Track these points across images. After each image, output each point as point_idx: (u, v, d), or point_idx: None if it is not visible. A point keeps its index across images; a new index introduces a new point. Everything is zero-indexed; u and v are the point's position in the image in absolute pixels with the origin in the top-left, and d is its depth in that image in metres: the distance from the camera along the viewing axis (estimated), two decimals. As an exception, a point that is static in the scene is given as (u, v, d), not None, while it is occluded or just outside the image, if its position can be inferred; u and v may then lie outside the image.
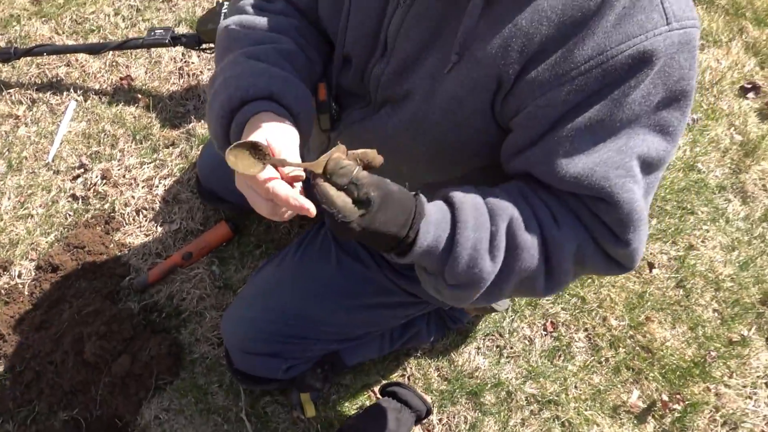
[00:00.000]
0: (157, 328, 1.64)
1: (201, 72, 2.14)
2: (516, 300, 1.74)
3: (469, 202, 0.86)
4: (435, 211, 0.85)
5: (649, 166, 0.84)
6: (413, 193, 0.84)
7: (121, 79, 2.12)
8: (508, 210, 0.87)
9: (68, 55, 2.14)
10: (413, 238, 0.83)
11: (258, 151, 0.78)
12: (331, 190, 0.77)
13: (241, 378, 1.45)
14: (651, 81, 0.78)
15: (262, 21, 1.04)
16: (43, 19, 2.27)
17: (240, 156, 0.78)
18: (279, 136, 0.85)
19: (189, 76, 2.14)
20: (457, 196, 0.87)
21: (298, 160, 0.84)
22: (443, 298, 0.93)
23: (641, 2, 0.76)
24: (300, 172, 0.82)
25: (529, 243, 0.86)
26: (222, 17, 1.89)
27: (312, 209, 0.78)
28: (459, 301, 0.92)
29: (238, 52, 1.00)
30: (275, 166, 0.81)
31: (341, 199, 0.77)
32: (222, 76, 0.97)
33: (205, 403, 1.57)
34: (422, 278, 0.94)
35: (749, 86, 2.10)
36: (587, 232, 0.88)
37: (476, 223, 0.84)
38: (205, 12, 2.19)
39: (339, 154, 0.78)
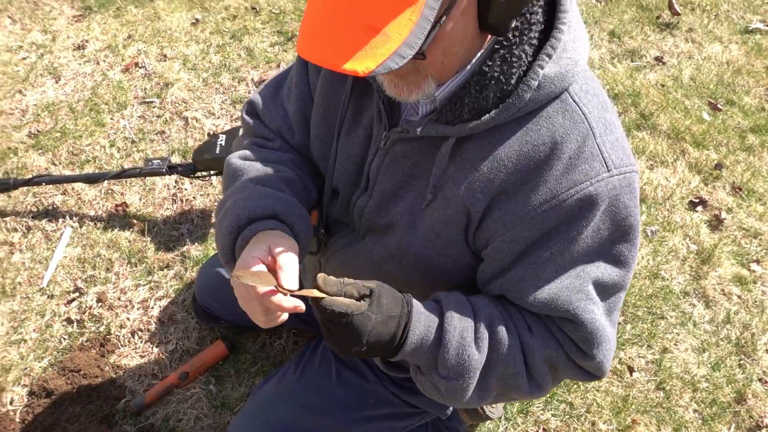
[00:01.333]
0: (154, 452, 1.62)
1: (194, 198, 2.26)
2: (508, 408, 1.79)
3: (452, 298, 1.00)
4: (423, 305, 0.97)
5: (605, 289, 0.99)
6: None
7: (117, 206, 2.21)
8: (488, 309, 1.00)
9: (65, 184, 2.24)
10: (406, 330, 0.93)
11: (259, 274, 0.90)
12: (336, 298, 0.88)
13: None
14: (600, 219, 0.93)
15: (264, 154, 1.19)
16: (40, 151, 2.39)
17: (248, 274, 0.89)
18: (283, 248, 0.95)
19: (182, 201, 2.25)
20: (442, 293, 1.01)
21: (296, 275, 0.94)
22: (441, 396, 1.01)
23: (584, 154, 0.91)
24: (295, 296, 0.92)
25: (509, 340, 0.98)
26: (217, 148, 2.04)
27: (301, 306, 0.88)
28: (455, 395, 1.00)
29: (245, 179, 1.13)
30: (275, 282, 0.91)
31: (346, 300, 0.88)
32: (231, 199, 1.09)
33: None
34: (418, 379, 1.02)
35: (697, 200, 2.34)
36: (558, 344, 1.01)
37: (461, 314, 0.97)
38: (200, 143, 2.35)
39: (322, 274, 0.91)
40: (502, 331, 0.98)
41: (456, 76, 0.91)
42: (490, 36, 0.88)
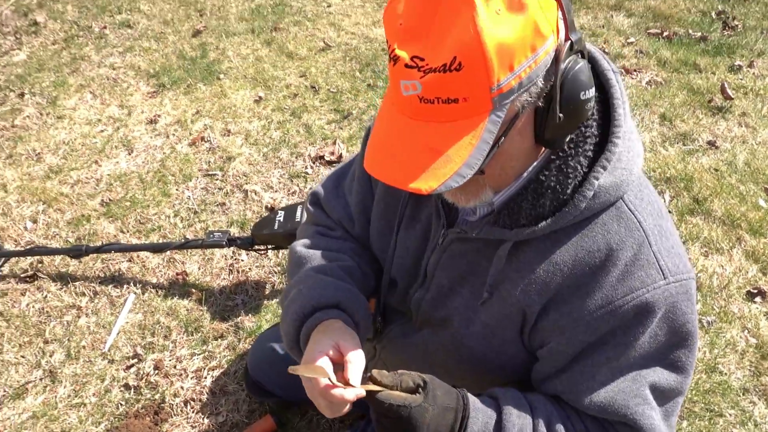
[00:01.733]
0: None
1: (249, 269, 2.35)
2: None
3: (509, 394, 1.01)
4: (480, 401, 0.99)
5: (662, 394, 0.99)
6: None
7: (177, 274, 2.32)
8: (546, 407, 1.01)
9: (131, 252, 2.36)
10: (464, 423, 0.94)
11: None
12: (392, 392, 0.91)
13: None
14: (657, 325, 0.95)
15: (326, 243, 1.26)
16: (111, 218, 2.54)
17: (306, 368, 0.93)
18: (348, 341, 0.99)
19: (238, 272, 2.34)
20: (498, 389, 1.02)
21: (361, 370, 0.97)
22: None
23: (640, 261, 0.93)
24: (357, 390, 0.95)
25: None
26: (276, 224, 2.13)
27: (362, 392, 0.91)
28: None
29: (308, 268, 1.20)
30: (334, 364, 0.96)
31: (402, 394, 0.91)
32: (296, 288, 1.15)
33: None
34: None
35: (755, 291, 2.28)
36: None
37: (519, 411, 0.98)
38: (258, 217, 2.46)
39: (377, 369, 0.94)
40: (561, 430, 0.98)
41: (513, 184, 0.96)
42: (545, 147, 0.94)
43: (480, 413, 0.97)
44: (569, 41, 0.84)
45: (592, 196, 0.91)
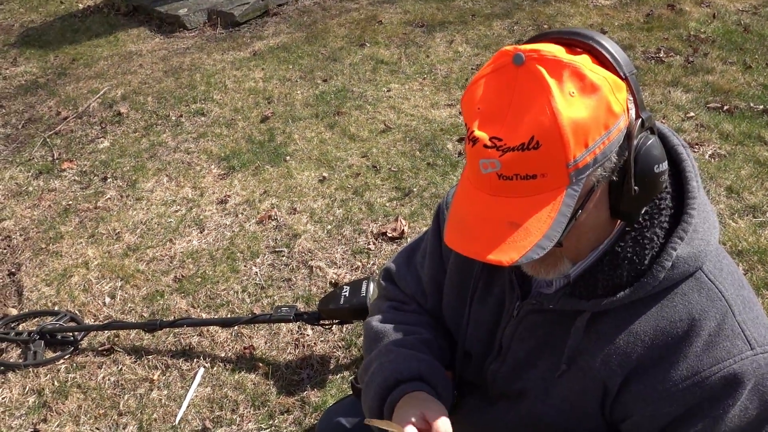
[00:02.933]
0: None
1: (314, 343, 2.38)
2: None
3: None
4: None
5: None
6: None
7: (245, 348, 2.37)
8: None
9: (202, 327, 2.44)
10: None
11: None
12: None
13: None
14: (747, 398, 0.92)
15: (401, 317, 1.29)
16: (183, 294, 2.65)
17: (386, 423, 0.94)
18: (434, 410, 1.01)
19: (304, 347, 2.37)
20: None
21: (449, 429, 0.97)
22: None
23: (724, 331, 0.92)
24: None
25: None
26: (341, 299, 2.17)
27: None
28: None
29: (387, 342, 1.22)
30: None
31: None
32: (377, 362, 1.17)
33: None
34: None
35: None
36: None
37: None
38: (324, 293, 2.52)
39: None
40: None
41: (589, 256, 0.98)
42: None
43: None
44: (640, 119, 0.88)
45: (671, 267, 0.92)
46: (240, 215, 3.10)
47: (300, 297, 2.59)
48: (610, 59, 0.86)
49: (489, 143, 0.83)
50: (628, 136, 0.87)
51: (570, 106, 0.80)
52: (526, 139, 0.80)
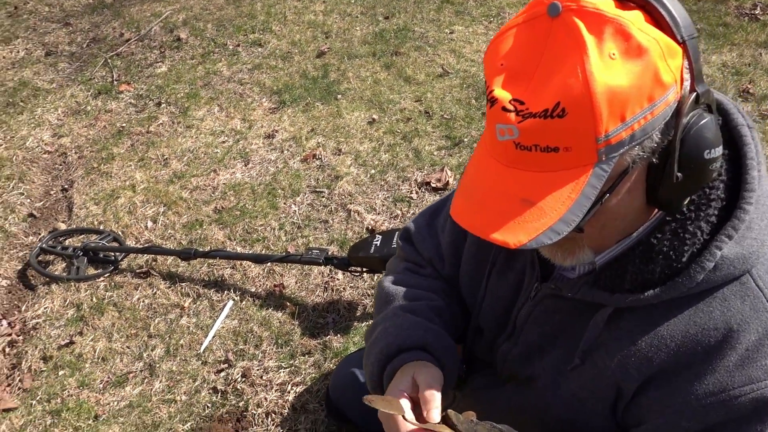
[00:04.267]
0: None
1: (344, 289, 2.36)
2: None
3: None
4: None
5: None
6: None
7: (275, 285, 2.38)
8: None
9: (235, 260, 2.46)
10: None
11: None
12: None
13: None
14: None
15: (415, 280, 1.22)
16: (221, 226, 2.67)
17: (380, 400, 0.90)
18: (427, 381, 0.94)
19: (333, 291, 2.36)
20: None
21: (437, 409, 0.92)
22: None
23: (766, 348, 0.81)
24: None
25: None
26: (372, 248, 2.13)
27: None
28: None
29: (396, 306, 1.16)
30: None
31: None
32: (382, 325, 1.11)
33: None
34: None
35: None
36: None
37: None
38: (357, 240, 2.48)
39: (453, 411, 0.88)
40: None
41: (618, 245, 0.88)
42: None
43: None
44: (695, 92, 0.75)
45: (713, 268, 0.81)
46: (285, 151, 3.08)
47: (335, 240, 2.57)
48: (667, 18, 0.73)
49: (509, 106, 0.72)
50: (677, 112, 0.75)
51: (608, 70, 0.69)
52: (550, 105, 0.70)
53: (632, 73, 0.69)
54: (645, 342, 0.86)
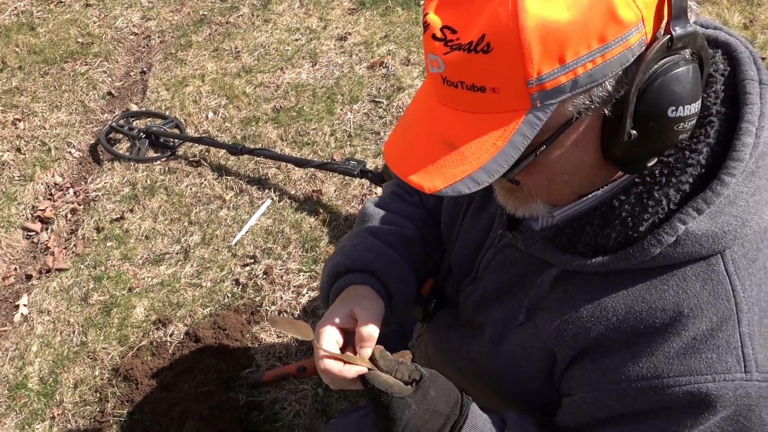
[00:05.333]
0: (250, 427, 1.76)
1: (380, 203, 2.34)
2: None
3: (522, 424, 0.87)
4: (484, 419, 0.85)
5: None
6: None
7: (313, 191, 2.40)
8: None
9: (279, 161, 2.50)
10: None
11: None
12: (381, 374, 0.82)
13: None
14: (717, 426, 0.72)
15: (397, 206, 1.17)
16: (276, 125, 2.69)
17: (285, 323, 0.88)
18: (366, 312, 0.90)
19: (369, 203, 2.35)
20: (514, 414, 0.88)
21: (370, 346, 0.89)
22: None
23: (716, 340, 0.70)
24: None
25: None
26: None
27: (364, 370, 0.83)
28: None
29: (365, 227, 1.12)
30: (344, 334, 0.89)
31: (390, 380, 0.81)
32: (343, 243, 1.09)
33: None
34: None
35: None
36: None
37: None
38: (399, 154, 2.42)
39: (380, 347, 0.85)
40: None
41: (580, 203, 0.79)
42: None
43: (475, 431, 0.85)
44: (669, 35, 0.62)
45: (673, 243, 0.70)
46: (354, 56, 3.00)
47: (381, 154, 2.53)
48: None
49: (438, 34, 0.64)
50: (640, 58, 0.63)
51: (545, 2, 0.58)
52: (476, 37, 0.61)
53: (576, 7, 0.58)
54: (587, 311, 0.79)
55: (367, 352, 0.87)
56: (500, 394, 0.98)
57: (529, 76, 0.60)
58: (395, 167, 0.71)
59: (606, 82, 0.62)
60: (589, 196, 0.77)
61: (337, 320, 0.91)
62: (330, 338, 0.88)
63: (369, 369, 0.83)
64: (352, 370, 0.83)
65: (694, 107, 0.66)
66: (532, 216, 0.82)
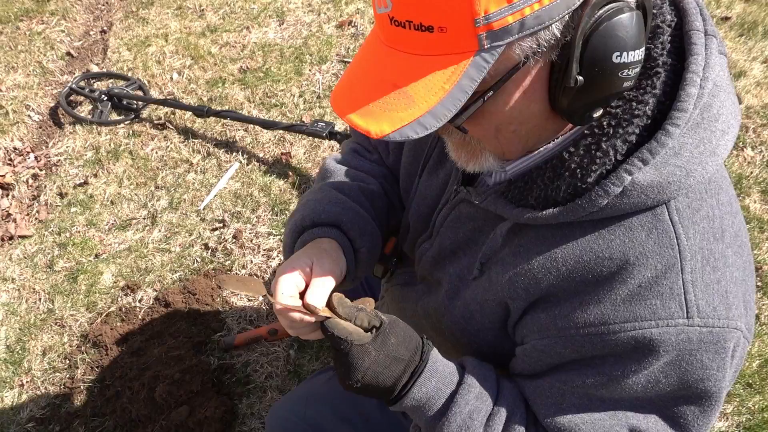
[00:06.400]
0: (223, 390, 1.77)
1: (350, 165, 2.32)
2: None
3: (481, 371, 0.88)
4: (442, 364, 0.86)
5: None
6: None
7: (282, 154, 2.37)
8: (514, 404, 0.87)
9: (247, 123, 2.45)
10: (412, 382, 0.84)
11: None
12: (340, 321, 0.81)
13: (267, 472, 1.50)
14: (660, 370, 0.74)
15: (357, 162, 1.16)
16: (242, 86, 2.64)
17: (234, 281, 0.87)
18: (324, 263, 0.90)
19: (339, 166, 2.33)
20: (472, 360, 0.89)
21: (323, 296, 0.88)
22: None
23: (659, 287, 0.72)
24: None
25: None
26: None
27: (325, 317, 0.82)
28: None
29: (328, 182, 1.12)
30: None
31: (350, 327, 0.81)
32: (307, 198, 1.08)
33: (236, 477, 1.65)
34: None
35: None
36: None
37: (481, 391, 0.85)
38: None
39: (339, 294, 0.85)
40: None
41: (531, 156, 0.79)
42: None
43: (435, 376, 0.85)
44: None
45: (620, 194, 0.71)
46: (322, 14, 2.93)
47: (352, 115, 2.49)
48: None
49: None
50: (585, 2, 0.63)
51: None
52: None
53: None
54: (538, 262, 0.80)
55: (311, 298, 0.85)
56: (457, 347, 1.00)
57: (476, 14, 0.59)
58: (341, 113, 0.70)
59: (553, 26, 0.62)
60: (541, 150, 0.78)
61: (296, 269, 0.90)
62: (289, 284, 0.86)
63: (327, 317, 0.82)
64: (313, 318, 0.83)
65: (638, 54, 0.66)
66: (483, 170, 0.82)
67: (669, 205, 0.73)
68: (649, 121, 0.72)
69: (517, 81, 0.67)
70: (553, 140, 0.77)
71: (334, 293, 0.86)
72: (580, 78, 0.66)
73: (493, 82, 0.66)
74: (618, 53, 0.65)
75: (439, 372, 0.85)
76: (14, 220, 2.23)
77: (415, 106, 0.65)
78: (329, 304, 0.85)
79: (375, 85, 0.68)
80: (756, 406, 1.69)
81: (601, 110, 0.72)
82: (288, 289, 0.86)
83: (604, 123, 0.72)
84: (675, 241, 0.72)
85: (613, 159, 0.72)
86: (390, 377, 0.83)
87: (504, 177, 0.85)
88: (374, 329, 0.82)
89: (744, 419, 1.67)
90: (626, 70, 0.67)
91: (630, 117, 0.72)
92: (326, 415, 1.39)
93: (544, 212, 0.76)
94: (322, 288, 0.87)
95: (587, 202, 0.73)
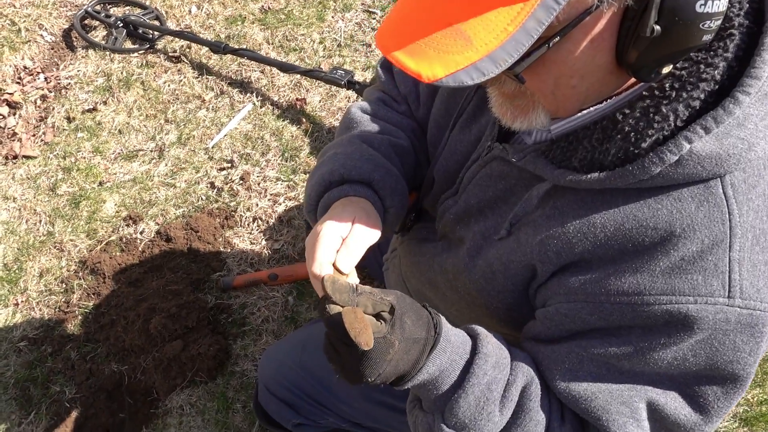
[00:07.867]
0: (218, 329, 1.76)
1: (365, 118, 2.27)
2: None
3: (493, 340, 0.82)
4: (455, 334, 0.80)
5: (661, 421, 0.76)
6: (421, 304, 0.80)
7: (297, 99, 2.32)
8: (529, 373, 0.82)
9: (264, 64, 2.39)
10: (428, 358, 0.77)
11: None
12: (361, 314, 0.69)
13: (258, 413, 1.50)
14: (690, 347, 0.71)
15: (386, 113, 1.10)
16: (262, 26, 2.56)
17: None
18: (362, 229, 0.84)
19: (353, 117, 2.28)
20: (481, 330, 0.83)
21: (355, 260, 0.81)
22: None
23: (704, 262, 0.68)
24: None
25: (538, 416, 0.81)
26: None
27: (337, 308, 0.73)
28: None
29: (356, 133, 1.06)
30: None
31: (373, 320, 0.71)
32: (334, 150, 1.03)
33: (224, 415, 1.65)
34: (412, 413, 0.90)
35: None
36: None
37: (497, 362, 0.80)
38: (389, 68, 2.33)
39: (330, 275, 0.75)
40: (534, 403, 0.80)
41: (581, 116, 0.74)
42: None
43: (449, 348, 0.79)
44: None
45: (675, 163, 0.67)
46: (350, -39, 2.83)
47: (371, 67, 2.43)
48: None
49: None
50: None
51: None
52: None
53: None
54: (574, 227, 0.76)
55: (348, 263, 0.80)
56: (472, 307, 0.97)
57: None
58: (388, 51, 0.65)
59: None
60: (591, 109, 0.73)
61: (340, 230, 0.83)
62: (330, 249, 0.80)
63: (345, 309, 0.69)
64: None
65: (723, 4, 0.61)
66: (530, 128, 0.77)
67: (724, 178, 0.68)
68: (717, 87, 0.67)
69: (586, 27, 0.62)
70: (605, 100, 0.72)
71: (327, 275, 0.75)
72: (657, 27, 0.60)
73: (561, 27, 0.60)
74: (703, 1, 0.59)
75: (452, 342, 0.79)
76: (20, 140, 2.19)
77: (473, 49, 0.59)
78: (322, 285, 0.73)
79: (428, 23, 0.61)
80: (755, 399, 1.68)
81: (671, 66, 0.67)
82: (329, 251, 0.79)
83: (666, 85, 0.67)
84: (727, 216, 0.68)
85: (672, 124, 0.67)
86: (408, 362, 0.75)
87: (546, 136, 0.80)
88: (383, 314, 0.72)
89: (742, 410, 1.66)
90: (708, 21, 0.61)
91: (696, 80, 0.67)
92: (322, 363, 1.38)
93: (589, 176, 0.72)
94: (359, 251, 0.81)
95: (638, 169, 0.68)
